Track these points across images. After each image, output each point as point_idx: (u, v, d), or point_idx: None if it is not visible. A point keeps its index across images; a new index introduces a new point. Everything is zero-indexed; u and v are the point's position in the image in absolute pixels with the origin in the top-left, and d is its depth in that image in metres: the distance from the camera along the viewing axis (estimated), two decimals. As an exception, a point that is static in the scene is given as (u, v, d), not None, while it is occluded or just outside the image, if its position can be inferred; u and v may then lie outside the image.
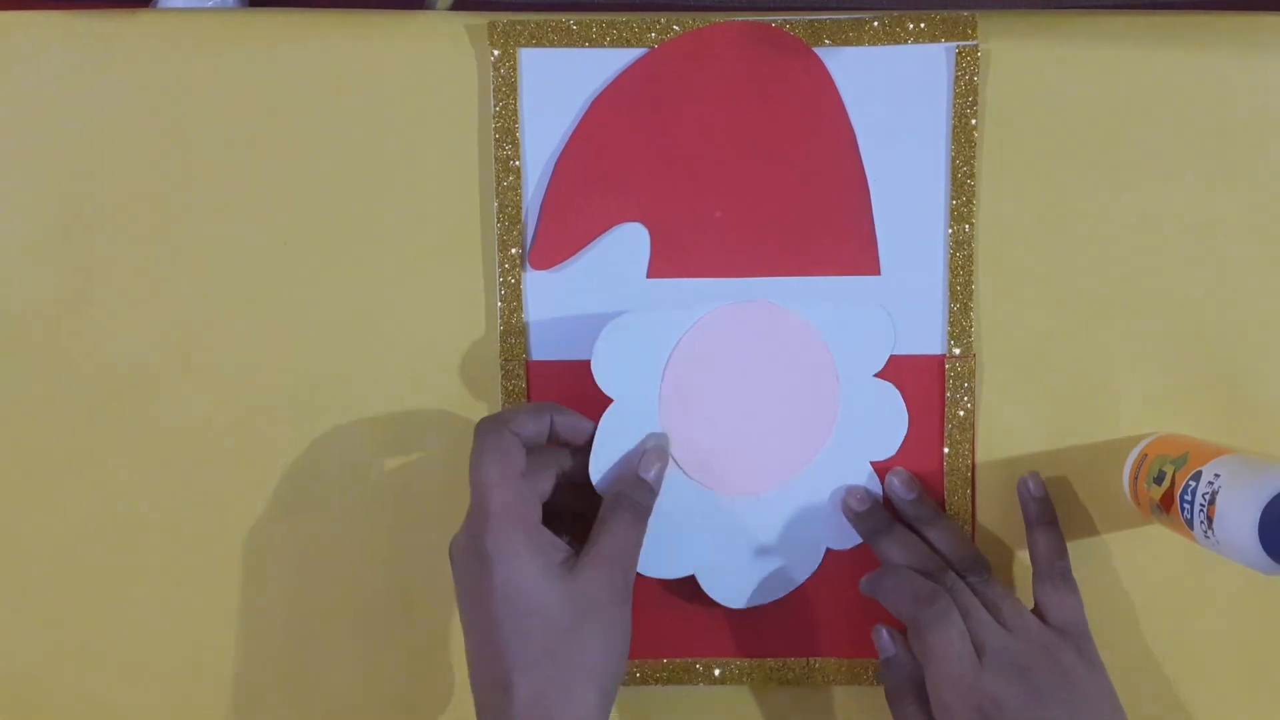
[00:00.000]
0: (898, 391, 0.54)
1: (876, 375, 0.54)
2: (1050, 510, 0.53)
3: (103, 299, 0.55)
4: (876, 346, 0.54)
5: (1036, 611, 0.51)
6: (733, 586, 0.54)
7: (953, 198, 0.53)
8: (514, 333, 0.54)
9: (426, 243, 0.54)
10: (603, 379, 0.52)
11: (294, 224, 0.55)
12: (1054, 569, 0.51)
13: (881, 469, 0.54)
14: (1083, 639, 0.50)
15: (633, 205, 0.54)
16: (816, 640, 0.55)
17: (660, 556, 0.54)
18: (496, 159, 0.53)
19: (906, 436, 0.54)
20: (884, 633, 0.52)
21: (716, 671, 0.55)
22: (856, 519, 0.53)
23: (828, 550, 0.54)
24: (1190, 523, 0.48)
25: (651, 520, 0.50)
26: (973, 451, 0.54)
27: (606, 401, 0.52)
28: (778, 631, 0.55)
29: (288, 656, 0.56)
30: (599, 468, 0.52)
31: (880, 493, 0.54)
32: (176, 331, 0.55)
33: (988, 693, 0.47)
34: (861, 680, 0.55)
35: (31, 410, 0.55)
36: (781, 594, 0.54)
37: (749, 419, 0.54)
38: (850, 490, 0.53)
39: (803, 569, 0.54)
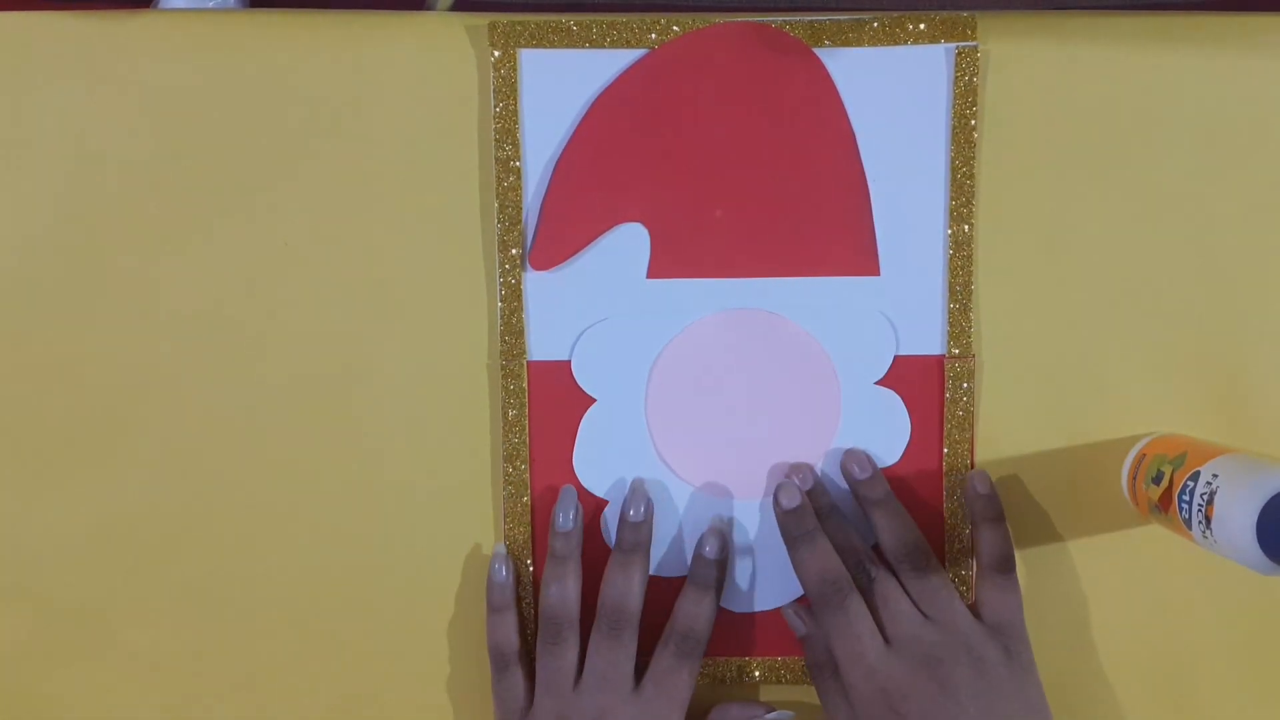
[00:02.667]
0: (900, 399, 0.54)
1: (878, 383, 0.54)
2: (997, 507, 0.52)
3: (104, 299, 0.55)
4: (878, 354, 0.54)
5: (974, 609, 0.51)
6: (734, 590, 0.55)
7: (952, 198, 0.53)
8: (514, 332, 0.54)
9: (427, 243, 0.54)
10: (583, 378, 0.54)
11: (295, 224, 0.55)
12: (995, 566, 0.51)
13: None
14: (1014, 640, 0.50)
15: (633, 206, 0.54)
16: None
17: (656, 555, 0.55)
18: (497, 159, 0.54)
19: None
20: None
21: (717, 669, 0.55)
22: (785, 519, 0.52)
23: None
24: (1188, 523, 0.48)
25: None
26: (971, 451, 0.54)
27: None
28: (777, 630, 0.55)
29: (290, 656, 0.56)
30: (585, 468, 0.54)
31: (810, 488, 0.53)
32: (178, 332, 0.55)
33: (893, 678, 0.47)
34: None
35: (34, 410, 0.55)
36: (787, 600, 0.55)
37: (746, 425, 0.54)
38: (781, 486, 0.52)
39: None
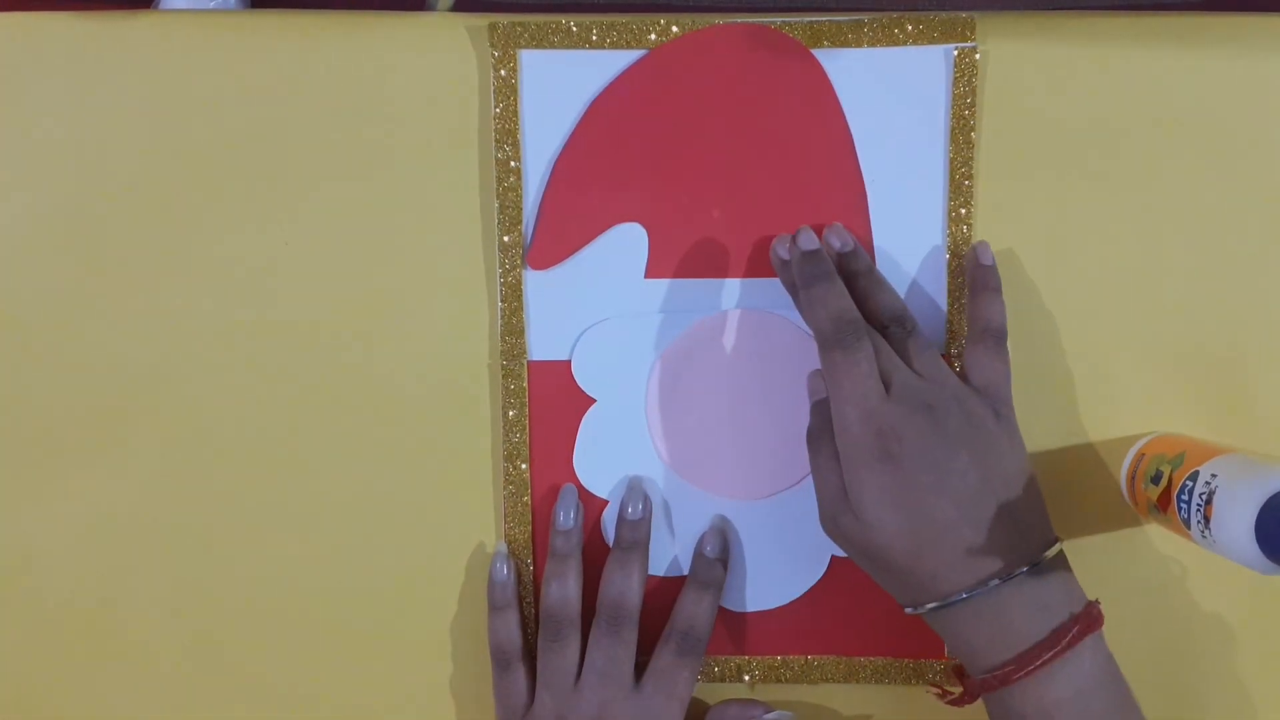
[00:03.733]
0: None
1: None
2: (998, 278, 0.52)
3: (105, 300, 0.55)
4: None
5: (961, 375, 0.50)
6: (733, 589, 0.55)
7: (951, 199, 0.53)
8: (514, 332, 0.54)
9: (427, 243, 0.55)
10: (583, 379, 0.54)
11: (295, 224, 0.55)
12: (988, 332, 0.51)
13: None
14: (1001, 403, 0.49)
15: (631, 206, 0.54)
16: (815, 638, 0.55)
17: (656, 555, 0.55)
18: (497, 160, 0.54)
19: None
20: (817, 377, 0.52)
21: (715, 669, 0.55)
22: (803, 261, 0.51)
23: (832, 557, 0.54)
24: (1187, 522, 0.48)
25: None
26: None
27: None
28: (776, 629, 0.55)
29: (290, 656, 0.56)
30: (585, 468, 0.54)
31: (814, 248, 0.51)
32: (178, 332, 0.55)
33: (889, 419, 0.47)
34: (861, 679, 0.55)
35: (35, 410, 0.55)
36: (786, 600, 0.55)
37: (746, 425, 0.54)
38: (798, 232, 0.51)
39: (807, 576, 0.55)
